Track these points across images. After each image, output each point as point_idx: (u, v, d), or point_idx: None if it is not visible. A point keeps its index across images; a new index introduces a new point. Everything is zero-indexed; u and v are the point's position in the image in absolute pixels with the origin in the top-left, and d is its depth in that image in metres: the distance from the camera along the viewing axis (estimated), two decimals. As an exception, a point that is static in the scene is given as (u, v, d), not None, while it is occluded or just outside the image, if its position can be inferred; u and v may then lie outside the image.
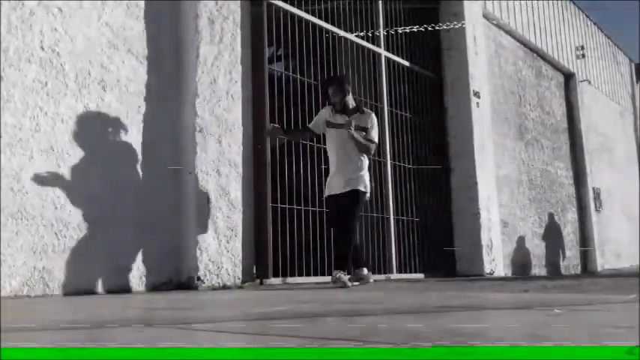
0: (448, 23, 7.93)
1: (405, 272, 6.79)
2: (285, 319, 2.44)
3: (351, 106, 4.99)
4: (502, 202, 8.37)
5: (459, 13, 7.95)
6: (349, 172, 4.82)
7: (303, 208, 5.71)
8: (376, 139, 4.98)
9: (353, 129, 4.77)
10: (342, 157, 4.85)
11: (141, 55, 4.59)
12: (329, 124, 4.94)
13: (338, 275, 4.64)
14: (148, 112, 4.57)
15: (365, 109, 5.10)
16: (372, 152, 5.05)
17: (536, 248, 9.39)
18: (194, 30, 4.84)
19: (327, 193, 4.97)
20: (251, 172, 5.12)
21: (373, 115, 5.06)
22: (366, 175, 4.89)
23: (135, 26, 4.59)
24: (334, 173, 4.90)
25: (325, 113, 5.03)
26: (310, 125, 5.16)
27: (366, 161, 4.92)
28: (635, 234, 12.98)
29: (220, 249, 4.71)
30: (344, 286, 4.56)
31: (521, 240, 9.15)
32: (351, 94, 5.05)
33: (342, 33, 6.65)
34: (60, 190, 4.02)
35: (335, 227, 4.93)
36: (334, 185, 4.87)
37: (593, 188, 11.44)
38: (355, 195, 4.79)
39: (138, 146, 4.49)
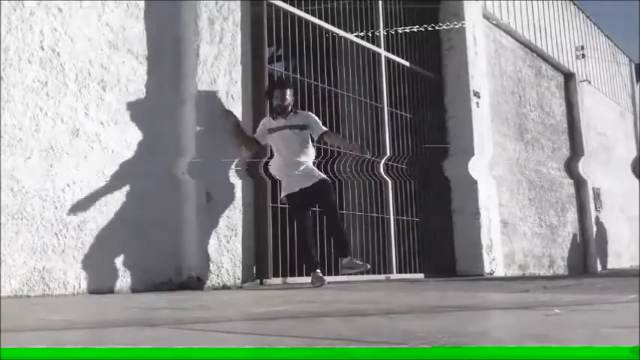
0: (448, 23, 7.92)
1: (405, 272, 6.79)
2: (286, 319, 2.44)
3: (289, 109, 5.06)
4: (502, 202, 8.37)
5: (458, 13, 7.95)
6: (305, 169, 4.96)
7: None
8: (325, 128, 5.18)
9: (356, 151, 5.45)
10: (292, 158, 4.96)
11: (141, 55, 4.59)
12: (271, 131, 5.02)
13: (349, 259, 4.86)
14: (148, 112, 4.57)
15: (297, 110, 5.18)
16: (340, 139, 5.86)
17: (535, 247, 9.37)
18: (194, 30, 4.83)
19: (287, 191, 5.00)
20: (251, 172, 5.12)
21: (308, 112, 5.21)
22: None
23: (135, 26, 4.58)
24: (288, 173, 4.98)
25: (265, 123, 5.08)
26: (256, 136, 5.11)
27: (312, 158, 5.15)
28: (635, 234, 12.97)
29: (220, 249, 4.71)
30: (362, 269, 4.91)
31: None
32: (292, 97, 5.10)
33: (342, 33, 6.64)
34: (60, 191, 4.02)
35: (327, 217, 5.01)
36: (293, 183, 4.96)
37: (593, 188, 11.43)
38: (326, 182, 4.98)
39: (137, 146, 4.49)
